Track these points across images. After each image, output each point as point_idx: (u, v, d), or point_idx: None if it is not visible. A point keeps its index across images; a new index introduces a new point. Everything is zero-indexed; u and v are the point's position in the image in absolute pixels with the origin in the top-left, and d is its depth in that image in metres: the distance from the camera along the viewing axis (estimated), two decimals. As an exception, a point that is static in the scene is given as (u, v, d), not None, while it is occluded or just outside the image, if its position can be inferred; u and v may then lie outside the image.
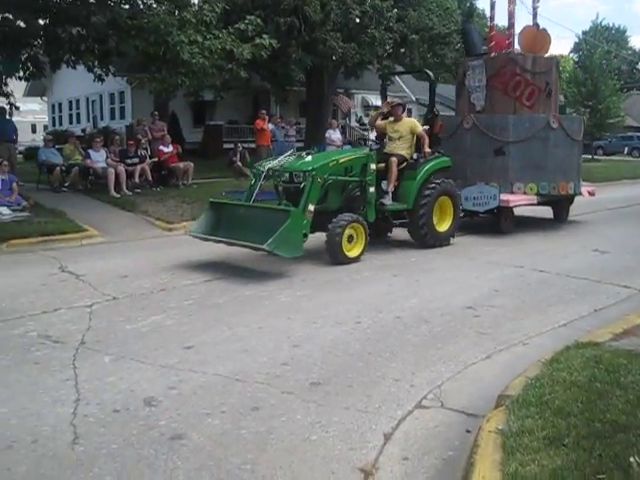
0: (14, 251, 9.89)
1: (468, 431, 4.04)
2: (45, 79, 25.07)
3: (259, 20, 16.40)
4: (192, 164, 17.37)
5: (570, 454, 3.35)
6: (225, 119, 28.67)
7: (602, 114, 37.99)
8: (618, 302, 7.09)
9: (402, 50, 26.06)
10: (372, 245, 9.82)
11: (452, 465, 3.69)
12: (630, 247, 10.48)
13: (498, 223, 11.77)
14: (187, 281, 7.84)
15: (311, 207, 8.52)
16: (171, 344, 5.57)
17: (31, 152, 24.40)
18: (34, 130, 48.84)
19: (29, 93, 34.54)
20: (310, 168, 8.74)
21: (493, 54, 12.71)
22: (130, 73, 21.38)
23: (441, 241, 10.25)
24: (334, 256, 8.75)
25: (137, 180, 15.74)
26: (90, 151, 15.82)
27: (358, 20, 22.41)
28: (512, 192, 11.71)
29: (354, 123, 32.95)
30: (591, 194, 13.59)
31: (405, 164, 10.03)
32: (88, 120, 31.10)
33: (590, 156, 38.44)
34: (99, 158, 15.62)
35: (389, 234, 10.92)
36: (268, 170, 9.12)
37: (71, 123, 32.63)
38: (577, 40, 62.14)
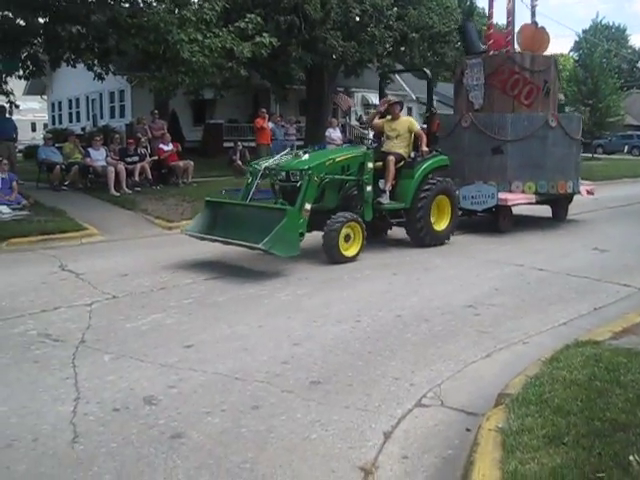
0: (14, 250, 9.89)
1: (468, 430, 4.04)
2: (45, 77, 25.14)
3: (259, 18, 16.39)
4: (192, 163, 17.38)
5: (570, 452, 3.35)
6: (225, 118, 28.67)
7: (602, 113, 38.02)
8: (618, 301, 7.09)
9: (402, 48, 26.06)
10: (372, 244, 9.81)
11: (452, 464, 3.69)
12: (630, 246, 10.48)
13: (496, 222, 11.74)
14: (187, 280, 7.84)
15: (307, 206, 8.48)
16: (171, 343, 5.57)
17: (31, 151, 24.41)
18: (34, 129, 48.92)
19: (29, 92, 34.53)
20: (306, 167, 8.70)
21: (492, 52, 12.67)
22: (130, 72, 21.36)
23: (439, 240, 10.22)
24: (331, 255, 8.72)
25: (137, 179, 15.75)
26: (90, 150, 15.82)
27: (358, 18, 22.41)
28: (510, 191, 11.68)
29: (354, 122, 32.95)
30: (590, 193, 13.56)
31: (402, 163, 10.01)
32: (88, 119, 31.11)
33: (590, 155, 38.48)
34: (99, 157, 15.62)
35: (386, 233, 10.89)
36: (265, 169, 9.09)
37: (71, 122, 32.64)
38: (577, 39, 62.08)
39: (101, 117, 29.70)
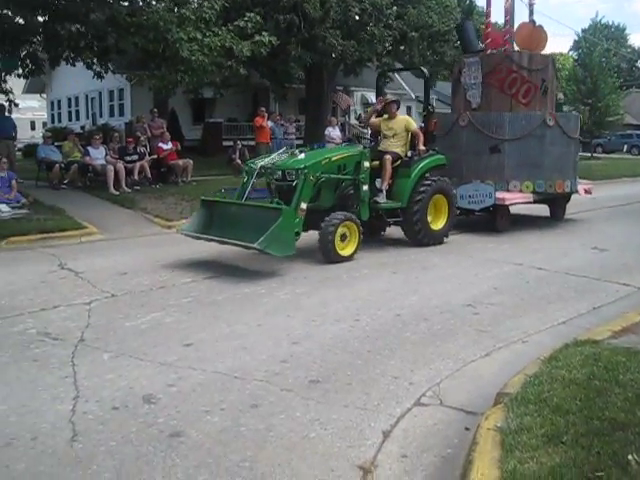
0: (13, 248, 9.89)
1: (467, 429, 4.05)
2: (44, 76, 25.13)
3: (258, 17, 16.38)
4: (191, 161, 17.39)
5: (568, 452, 3.35)
6: (224, 116, 28.66)
7: (601, 112, 38.05)
8: (617, 300, 7.10)
9: (402, 47, 26.02)
10: (370, 243, 9.82)
11: (451, 463, 3.69)
12: (629, 245, 10.49)
13: (494, 221, 11.70)
14: (186, 278, 7.84)
15: (303, 205, 8.44)
16: (170, 341, 5.57)
17: (30, 149, 24.44)
18: (33, 127, 48.91)
19: (28, 90, 34.49)
20: (302, 166, 8.64)
21: (489, 51, 12.65)
22: (129, 70, 21.32)
23: (436, 239, 10.18)
24: (327, 255, 8.68)
25: (136, 177, 15.76)
26: (89, 148, 15.83)
27: (357, 17, 22.39)
28: (508, 190, 11.66)
29: (353, 121, 32.94)
30: (587, 192, 13.53)
31: (399, 162, 9.97)
32: (87, 117, 31.10)
33: (589, 154, 38.51)
34: (98, 155, 15.63)
35: (383, 233, 10.85)
36: (260, 168, 9.03)
37: (70, 120, 32.63)
38: (577, 38, 62.14)
39: (100, 116, 29.70)
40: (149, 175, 16.11)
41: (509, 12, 12.87)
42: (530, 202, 12.16)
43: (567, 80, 42.30)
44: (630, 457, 3.19)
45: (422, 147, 10.07)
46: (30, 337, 5.67)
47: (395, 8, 24.18)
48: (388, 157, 9.76)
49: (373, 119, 10.79)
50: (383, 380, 4.79)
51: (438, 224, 10.33)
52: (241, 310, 6.53)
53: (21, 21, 14.63)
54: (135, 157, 15.99)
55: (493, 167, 11.72)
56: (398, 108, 10.52)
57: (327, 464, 3.62)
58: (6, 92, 16.19)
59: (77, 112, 32.61)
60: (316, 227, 8.74)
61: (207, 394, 4.48)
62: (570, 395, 4.04)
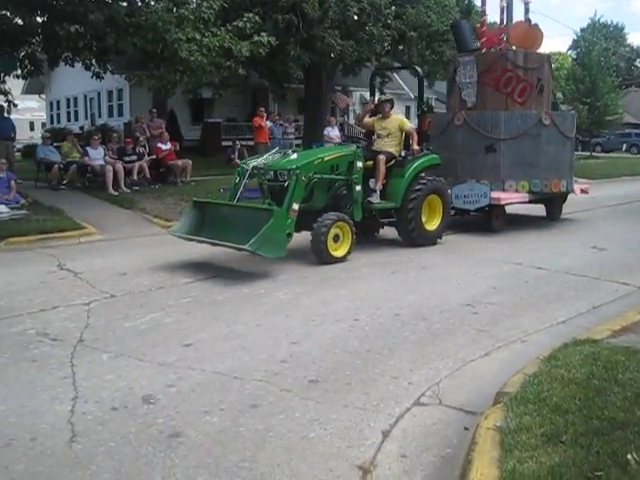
0: (12, 249, 9.88)
1: (466, 428, 4.05)
2: (43, 77, 25.13)
3: (257, 17, 16.37)
4: (190, 161, 17.39)
5: (568, 451, 3.35)
6: (223, 117, 28.67)
7: (600, 111, 38.09)
8: (616, 299, 7.10)
9: (400, 47, 26.01)
10: (369, 243, 9.83)
11: (450, 462, 3.69)
12: (629, 244, 10.48)
13: (489, 221, 11.64)
14: (185, 279, 7.84)
15: (295, 206, 8.35)
16: (170, 342, 5.57)
17: (29, 150, 24.44)
18: (32, 128, 48.87)
19: (27, 91, 34.49)
20: (294, 166, 8.55)
21: (484, 50, 12.60)
22: (128, 70, 21.33)
23: (430, 240, 10.11)
24: (319, 256, 8.61)
25: (135, 178, 15.76)
26: (88, 149, 15.83)
27: (356, 17, 22.37)
28: (503, 190, 11.60)
29: (352, 120, 32.94)
30: (584, 192, 13.50)
31: (393, 162, 9.91)
32: (86, 118, 31.11)
33: (588, 153, 38.55)
34: (97, 156, 15.62)
35: (377, 233, 10.76)
36: (253, 168, 8.95)
37: (69, 121, 32.64)
38: (575, 37, 62.14)
39: (99, 116, 29.70)
40: (148, 175, 16.10)
41: (504, 11, 12.85)
42: (526, 202, 12.12)
43: (566, 79, 42.38)
44: (629, 456, 3.19)
45: (416, 147, 10.02)
46: (29, 338, 5.67)
47: (394, 8, 24.16)
48: (382, 157, 9.69)
49: (367, 119, 10.74)
50: (382, 380, 4.79)
51: (432, 224, 10.25)
52: (240, 310, 6.53)
53: (20, 22, 14.64)
54: (134, 157, 15.98)
55: (488, 167, 11.66)
56: (392, 107, 10.41)
57: (326, 464, 3.62)
58: (5, 93, 16.19)
59: (76, 113, 32.62)
60: (309, 228, 8.65)
61: (206, 394, 4.48)
62: (569, 394, 4.04)
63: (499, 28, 13.25)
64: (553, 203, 12.96)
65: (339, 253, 8.78)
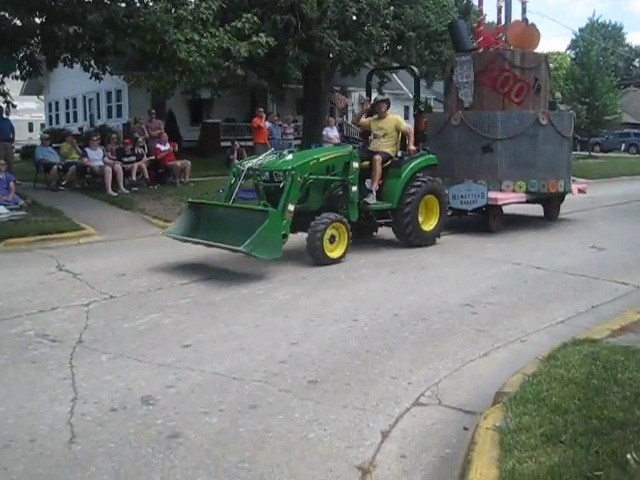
0: (11, 250, 9.88)
1: (466, 428, 4.05)
2: (42, 78, 25.12)
3: (256, 18, 16.38)
4: (189, 162, 17.38)
5: (567, 451, 3.35)
6: (222, 117, 28.66)
7: (599, 111, 38.11)
8: (616, 299, 7.10)
9: (399, 47, 26.03)
10: (368, 243, 9.83)
11: (450, 462, 3.69)
12: (628, 244, 10.48)
13: (487, 222, 11.60)
14: (184, 279, 7.83)
15: (291, 207, 8.30)
16: (169, 342, 5.57)
17: (28, 151, 24.43)
18: (31, 129, 48.95)
19: (26, 92, 34.52)
20: (290, 167, 8.51)
21: (481, 49, 12.57)
22: (127, 71, 21.35)
23: (427, 240, 10.06)
24: (315, 257, 8.56)
25: (134, 178, 15.76)
26: (87, 149, 15.83)
27: (355, 17, 22.39)
28: (501, 190, 11.59)
29: (351, 120, 32.96)
30: (581, 192, 13.48)
31: (390, 162, 9.87)
32: (85, 118, 31.11)
33: (587, 153, 38.57)
34: (96, 156, 15.62)
35: (375, 233, 10.71)
36: (248, 169, 8.91)
37: (68, 122, 32.65)
38: (574, 37, 62.16)
39: (98, 117, 29.71)
40: (147, 176, 16.10)
41: (502, 10, 12.85)
42: (523, 202, 12.10)
43: (565, 79, 42.38)
44: (629, 456, 3.19)
45: (413, 147, 9.98)
46: (28, 339, 5.66)
47: (392, 8, 24.17)
48: (378, 157, 9.65)
49: (363, 119, 10.71)
50: (382, 380, 4.78)
51: (429, 225, 10.21)
52: (239, 311, 6.53)
53: (18, 23, 14.65)
54: (133, 158, 15.98)
55: (486, 167, 11.64)
56: (388, 107, 10.34)
57: (326, 464, 3.62)
58: (4, 94, 16.17)
59: (75, 113, 32.62)
60: (305, 229, 8.60)
61: (205, 395, 4.48)
62: (569, 394, 4.04)
63: (496, 28, 13.24)
64: (551, 203, 12.93)
65: (335, 254, 8.74)
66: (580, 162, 27.33)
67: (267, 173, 8.81)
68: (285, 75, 23.90)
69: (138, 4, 15.79)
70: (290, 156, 9.02)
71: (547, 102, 12.94)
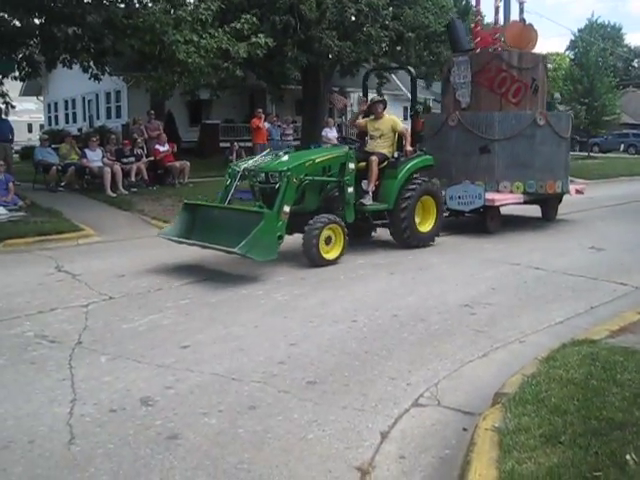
0: (10, 251, 9.87)
1: (465, 429, 4.05)
2: (41, 78, 25.08)
3: (255, 19, 16.39)
4: (188, 163, 17.39)
5: (566, 452, 3.35)
6: (221, 118, 28.67)
7: (598, 111, 38.12)
8: (614, 299, 7.10)
9: (398, 48, 26.04)
10: (366, 244, 9.82)
11: (449, 463, 3.69)
12: (627, 244, 10.48)
13: (484, 223, 11.56)
14: (184, 280, 7.83)
15: (286, 208, 8.25)
16: (168, 343, 5.56)
17: (27, 152, 24.43)
18: (30, 130, 48.93)
19: (25, 92, 34.52)
20: (285, 168, 8.46)
21: (479, 50, 12.54)
22: (126, 72, 21.39)
23: (424, 242, 10.03)
24: (311, 258, 8.53)
25: (133, 179, 15.76)
26: (86, 150, 15.82)
27: (354, 18, 22.40)
28: (498, 191, 11.55)
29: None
30: (579, 192, 13.46)
31: (386, 163, 9.84)
32: (84, 119, 31.11)
33: (586, 153, 38.60)
34: (95, 157, 15.62)
35: (375, 232, 10.65)
36: (244, 170, 8.87)
37: (67, 122, 32.65)
38: (573, 38, 62.24)
39: (97, 118, 29.71)
40: (146, 177, 16.10)
41: (499, 11, 12.87)
42: (521, 203, 12.08)
43: (564, 80, 42.41)
44: (628, 457, 3.19)
45: (409, 148, 9.96)
46: (27, 340, 5.66)
47: (391, 9, 24.18)
48: (374, 158, 9.61)
49: (359, 120, 10.69)
50: (381, 381, 4.78)
51: (426, 226, 10.16)
52: (238, 312, 6.53)
53: (17, 24, 14.65)
54: (132, 159, 15.98)
55: (483, 167, 11.61)
56: (385, 108, 10.30)
57: (325, 465, 3.62)
58: (3, 95, 16.18)
59: (74, 114, 32.62)
60: (301, 230, 8.56)
61: (204, 396, 4.48)
62: (568, 395, 4.04)
63: (494, 28, 13.23)
64: (548, 204, 12.90)
65: (331, 255, 8.71)
66: (579, 162, 27.36)
67: (263, 174, 8.75)
68: (284, 76, 23.91)
69: (137, 5, 15.78)
70: (286, 157, 8.99)
71: (545, 103, 12.92)
